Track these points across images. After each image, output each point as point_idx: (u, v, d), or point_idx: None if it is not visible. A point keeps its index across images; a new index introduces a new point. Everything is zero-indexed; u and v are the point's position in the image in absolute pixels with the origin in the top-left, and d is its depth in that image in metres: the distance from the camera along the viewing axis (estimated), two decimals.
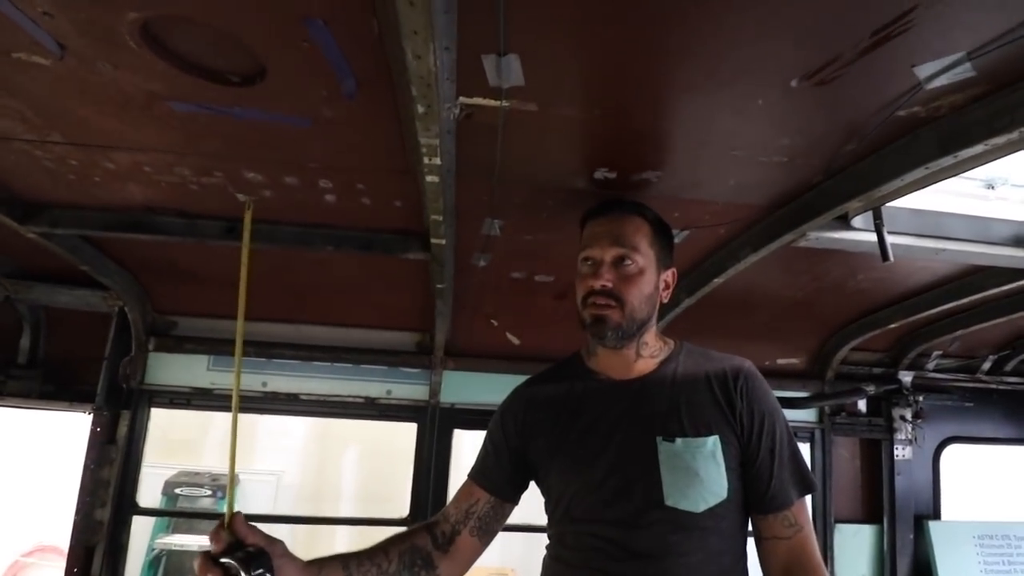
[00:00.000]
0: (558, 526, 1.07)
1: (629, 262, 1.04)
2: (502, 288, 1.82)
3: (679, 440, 1.00)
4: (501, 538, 1.17)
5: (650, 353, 1.10)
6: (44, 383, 1.96)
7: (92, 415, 1.92)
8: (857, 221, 1.22)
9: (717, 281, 1.47)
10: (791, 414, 2.14)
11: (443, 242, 1.33)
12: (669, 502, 0.97)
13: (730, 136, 0.96)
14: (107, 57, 0.83)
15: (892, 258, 1.13)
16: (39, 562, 4.13)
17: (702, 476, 0.98)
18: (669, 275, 1.12)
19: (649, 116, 0.92)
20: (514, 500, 1.17)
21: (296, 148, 1.09)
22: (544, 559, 1.11)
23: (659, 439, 1.01)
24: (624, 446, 1.03)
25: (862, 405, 2.28)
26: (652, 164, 1.07)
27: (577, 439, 1.07)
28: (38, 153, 1.14)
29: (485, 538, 1.15)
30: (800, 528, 1.01)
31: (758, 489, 1.02)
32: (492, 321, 2.07)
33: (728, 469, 1.00)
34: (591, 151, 1.04)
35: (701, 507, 0.98)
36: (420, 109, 0.78)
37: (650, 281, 1.06)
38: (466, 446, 2.10)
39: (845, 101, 0.85)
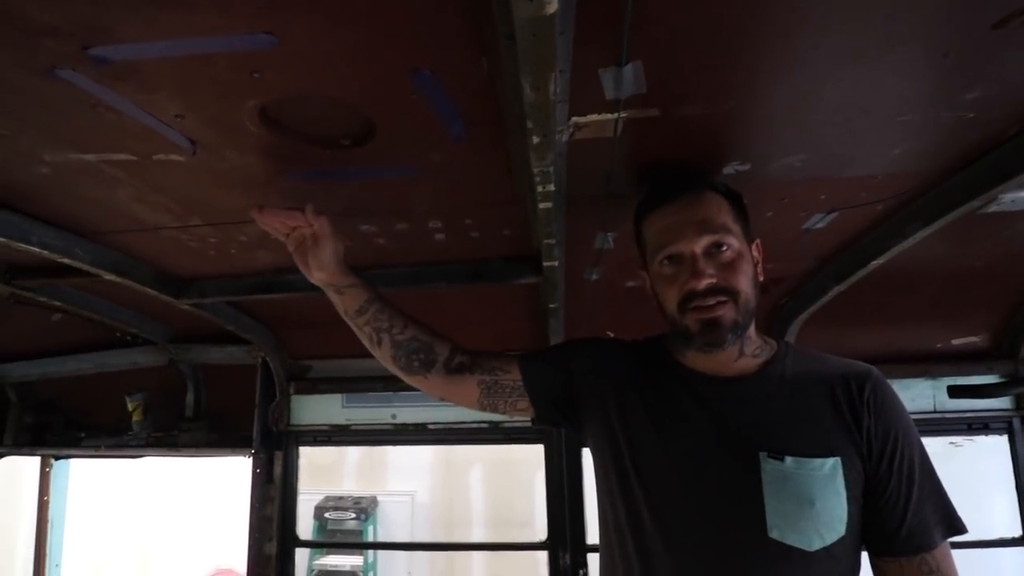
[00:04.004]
0: (627, 536, 0.91)
1: (725, 247, 0.87)
2: (616, 299, 1.72)
3: (789, 459, 0.82)
4: None
5: (752, 351, 0.92)
6: (209, 432, 2.18)
7: (252, 458, 2.10)
8: None
9: (876, 263, 1.27)
10: (978, 404, 1.82)
11: (555, 264, 1.27)
12: (774, 534, 0.81)
13: (899, 101, 0.80)
14: (232, 144, 0.87)
15: None
16: None
17: (818, 506, 0.80)
18: (756, 248, 0.94)
19: (797, 97, 0.79)
20: (536, 409, 1.03)
21: (406, 196, 1.09)
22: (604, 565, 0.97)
23: (763, 456, 0.83)
24: (718, 460, 0.86)
25: None
26: (795, 148, 0.93)
27: (657, 436, 0.91)
28: (183, 237, 1.25)
29: (484, 398, 1.03)
30: None
31: (888, 525, 0.83)
32: (608, 333, 1.98)
33: (849, 499, 0.82)
34: (721, 147, 0.93)
35: (816, 544, 0.80)
36: (535, 140, 0.73)
37: (749, 261, 0.90)
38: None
39: None
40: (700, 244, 0.88)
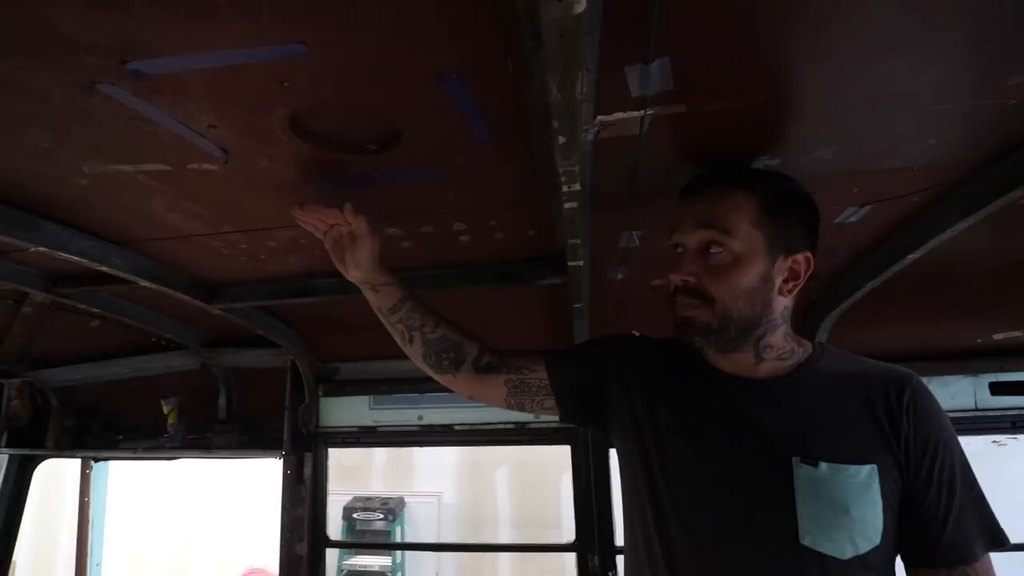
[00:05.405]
0: (653, 538, 0.89)
1: (718, 249, 0.84)
2: (642, 297, 1.71)
3: (824, 465, 0.80)
4: None
5: (777, 355, 0.89)
6: (241, 434, 2.23)
7: (282, 460, 2.14)
8: None
9: (912, 257, 1.23)
10: (1022, 400, 1.75)
11: (580, 263, 1.27)
12: (806, 541, 0.78)
13: (936, 90, 0.78)
14: (263, 152, 0.89)
15: None
16: None
17: (853, 514, 0.78)
18: (797, 260, 0.86)
19: (829, 89, 0.77)
20: (563, 408, 1.04)
21: (431, 199, 1.10)
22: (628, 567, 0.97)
23: (796, 460, 0.80)
24: (748, 463, 0.83)
25: None
26: (827, 141, 0.90)
27: (686, 437, 0.89)
28: (215, 243, 1.28)
29: (511, 397, 1.05)
30: None
31: (927, 535, 0.81)
32: (633, 332, 1.96)
33: (885, 508, 0.79)
34: (750, 141, 0.91)
35: (849, 553, 0.77)
36: (561, 140, 0.73)
37: (753, 272, 0.84)
38: None
39: None
40: (693, 239, 0.87)
